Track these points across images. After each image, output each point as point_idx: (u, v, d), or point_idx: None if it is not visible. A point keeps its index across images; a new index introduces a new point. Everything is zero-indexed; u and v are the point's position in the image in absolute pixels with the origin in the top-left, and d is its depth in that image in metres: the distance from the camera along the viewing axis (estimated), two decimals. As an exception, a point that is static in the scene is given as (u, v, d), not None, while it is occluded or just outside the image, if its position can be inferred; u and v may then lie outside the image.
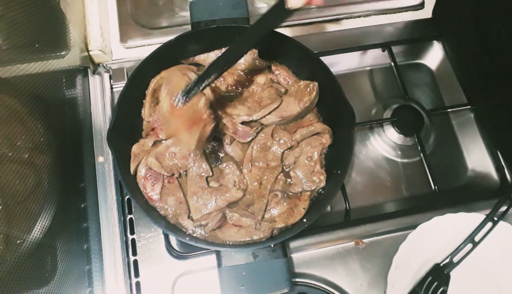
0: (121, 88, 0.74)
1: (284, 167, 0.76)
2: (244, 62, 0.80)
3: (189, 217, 0.70)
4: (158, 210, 0.71)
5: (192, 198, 0.71)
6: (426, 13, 1.01)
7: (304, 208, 0.71)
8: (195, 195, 0.70)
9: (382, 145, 0.90)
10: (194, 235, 0.69)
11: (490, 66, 0.83)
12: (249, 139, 0.75)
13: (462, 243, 0.75)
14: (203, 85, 0.60)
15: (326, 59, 0.78)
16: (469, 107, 0.92)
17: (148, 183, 0.71)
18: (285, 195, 0.73)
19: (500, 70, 0.81)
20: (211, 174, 0.72)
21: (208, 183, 0.72)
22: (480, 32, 0.84)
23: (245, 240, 0.68)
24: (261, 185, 0.72)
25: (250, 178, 0.73)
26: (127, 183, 0.67)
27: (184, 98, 0.60)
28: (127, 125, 0.74)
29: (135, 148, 0.73)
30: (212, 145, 0.75)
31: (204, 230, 0.68)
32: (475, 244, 0.76)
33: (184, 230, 0.69)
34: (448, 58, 0.98)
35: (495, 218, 0.76)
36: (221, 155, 0.76)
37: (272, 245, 0.67)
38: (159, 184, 0.71)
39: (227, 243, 0.68)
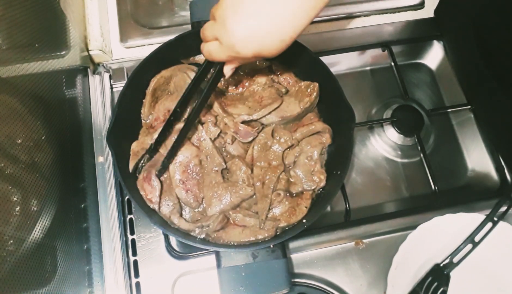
0: (121, 88, 0.74)
1: (285, 167, 0.76)
2: (244, 62, 0.80)
3: (181, 215, 0.70)
4: (157, 212, 0.71)
5: (208, 193, 0.71)
6: (426, 12, 1.01)
7: (306, 207, 0.71)
8: (211, 190, 0.71)
9: (382, 145, 0.90)
10: (196, 236, 0.69)
11: (488, 68, 0.83)
12: (250, 138, 0.75)
13: (462, 243, 0.75)
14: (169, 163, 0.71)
15: (326, 59, 0.77)
16: (468, 107, 0.92)
17: (147, 185, 0.70)
18: (287, 194, 0.73)
19: (497, 72, 0.81)
20: (224, 166, 0.72)
21: (223, 178, 0.72)
22: (479, 34, 0.84)
23: (250, 240, 0.67)
24: (264, 184, 0.72)
25: (253, 178, 0.73)
26: (127, 184, 0.67)
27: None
28: (127, 125, 0.74)
29: (134, 146, 0.73)
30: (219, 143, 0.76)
31: (206, 231, 0.68)
32: (475, 244, 0.75)
33: (184, 231, 0.69)
34: (448, 58, 0.97)
35: (495, 218, 0.76)
36: (225, 154, 0.76)
37: (271, 246, 0.67)
38: (159, 186, 0.71)
39: (232, 243, 0.68)
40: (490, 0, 0.80)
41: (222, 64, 0.61)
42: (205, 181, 0.72)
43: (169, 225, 0.69)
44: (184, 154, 0.72)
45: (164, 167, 0.71)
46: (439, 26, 0.98)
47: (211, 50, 0.57)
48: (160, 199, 0.70)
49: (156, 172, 0.70)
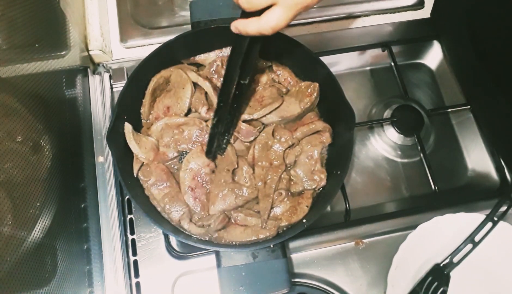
0: (121, 88, 0.74)
1: (286, 166, 0.76)
2: (244, 62, 0.80)
3: (191, 220, 0.70)
4: (160, 212, 0.71)
5: (215, 191, 0.71)
6: (426, 12, 1.01)
7: (307, 206, 0.72)
8: (218, 188, 0.70)
9: (382, 145, 0.90)
10: (197, 236, 0.69)
11: (484, 68, 0.83)
12: (252, 138, 0.75)
13: (462, 243, 0.75)
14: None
15: (326, 59, 0.78)
16: (468, 107, 0.92)
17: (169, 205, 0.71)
18: (289, 194, 0.73)
19: (493, 73, 0.81)
20: (236, 166, 0.72)
21: (233, 178, 0.72)
22: (474, 35, 0.85)
23: (251, 239, 0.67)
24: (266, 184, 0.72)
25: (255, 177, 0.73)
26: (127, 184, 0.67)
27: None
28: (127, 125, 0.74)
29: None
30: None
31: (207, 231, 0.68)
32: (475, 244, 0.76)
33: (184, 232, 0.69)
34: (446, 58, 0.98)
35: (495, 218, 0.76)
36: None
37: (271, 246, 0.67)
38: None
39: (234, 243, 0.68)
40: (484, 1, 0.80)
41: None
42: (216, 178, 0.72)
43: (171, 225, 0.69)
44: (196, 162, 0.72)
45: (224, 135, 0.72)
46: (436, 27, 0.99)
47: (272, 19, 0.52)
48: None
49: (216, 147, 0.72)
